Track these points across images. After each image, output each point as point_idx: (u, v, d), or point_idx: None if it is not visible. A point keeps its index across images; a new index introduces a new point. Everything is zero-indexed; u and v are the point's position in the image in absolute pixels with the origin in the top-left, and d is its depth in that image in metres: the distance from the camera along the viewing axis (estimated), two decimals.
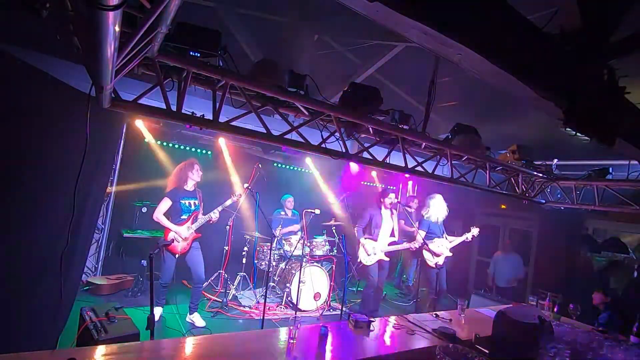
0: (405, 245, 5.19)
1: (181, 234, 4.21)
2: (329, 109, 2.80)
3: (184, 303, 4.71)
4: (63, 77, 3.02)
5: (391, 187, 5.86)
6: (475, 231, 5.31)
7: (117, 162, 5.40)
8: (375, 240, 5.10)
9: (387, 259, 5.14)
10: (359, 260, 5.23)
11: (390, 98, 4.43)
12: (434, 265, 5.16)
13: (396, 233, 5.33)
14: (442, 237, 5.35)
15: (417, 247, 5.13)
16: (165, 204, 4.21)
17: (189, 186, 4.35)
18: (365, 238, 5.12)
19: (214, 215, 4.38)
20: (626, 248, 5.53)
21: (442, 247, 5.27)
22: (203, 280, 4.42)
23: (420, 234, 5.16)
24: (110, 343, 2.20)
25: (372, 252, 5.05)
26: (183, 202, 4.29)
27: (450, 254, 5.35)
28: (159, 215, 4.18)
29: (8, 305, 2.57)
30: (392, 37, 3.59)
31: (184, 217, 4.28)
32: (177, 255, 4.25)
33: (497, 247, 7.34)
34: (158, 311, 4.33)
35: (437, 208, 5.34)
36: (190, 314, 4.39)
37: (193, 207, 4.35)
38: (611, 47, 1.65)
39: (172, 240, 4.14)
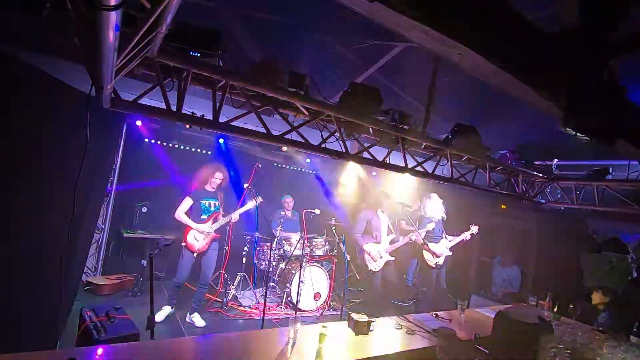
0: (406, 239, 5.12)
1: (202, 232, 4.27)
2: (329, 109, 2.80)
3: (184, 303, 4.70)
4: (63, 77, 3.02)
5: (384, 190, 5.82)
6: (474, 229, 5.29)
7: (117, 162, 5.39)
8: (379, 242, 5.04)
9: (392, 258, 5.08)
10: (369, 269, 5.12)
11: (390, 98, 4.43)
12: (434, 265, 5.15)
13: (392, 229, 5.29)
14: (442, 237, 5.34)
15: (417, 239, 5.05)
16: (187, 203, 4.31)
17: (210, 187, 4.44)
18: (368, 244, 5.01)
19: (234, 216, 4.47)
20: (626, 248, 5.52)
21: (442, 247, 5.26)
22: (209, 282, 4.46)
23: (421, 234, 5.14)
24: (110, 343, 2.20)
25: (378, 256, 4.95)
26: (204, 202, 4.37)
27: (450, 253, 5.33)
28: (181, 214, 4.26)
29: (8, 305, 2.57)
30: (392, 37, 3.59)
31: (203, 217, 4.35)
32: (195, 254, 4.30)
33: (497, 248, 7.34)
34: (167, 310, 4.37)
35: (434, 207, 5.33)
36: (190, 314, 4.40)
37: (213, 208, 4.43)
38: (611, 47, 1.64)
39: (173, 241, 4.14)
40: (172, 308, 4.42)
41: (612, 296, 3.93)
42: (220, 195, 4.52)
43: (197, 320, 4.36)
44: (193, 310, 4.40)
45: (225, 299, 4.96)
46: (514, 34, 1.46)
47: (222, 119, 2.53)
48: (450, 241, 5.33)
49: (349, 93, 2.84)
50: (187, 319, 4.40)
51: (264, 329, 3.82)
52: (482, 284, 6.92)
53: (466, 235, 5.28)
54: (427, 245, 5.06)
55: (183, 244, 4.23)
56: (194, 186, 4.42)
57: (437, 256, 5.17)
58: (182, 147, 6.21)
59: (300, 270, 4.89)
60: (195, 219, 4.30)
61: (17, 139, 2.50)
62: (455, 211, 5.69)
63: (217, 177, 4.44)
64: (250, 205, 4.57)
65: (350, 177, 7.44)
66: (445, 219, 5.44)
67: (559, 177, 4.77)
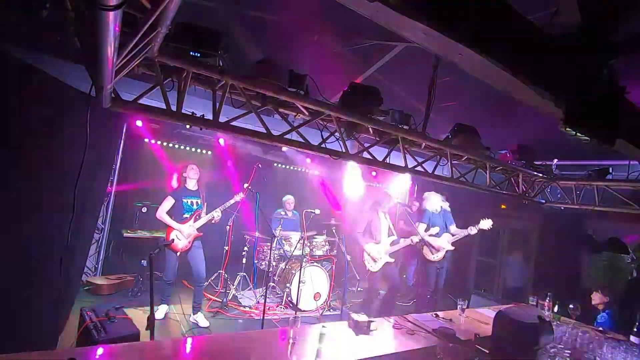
0: (407, 241, 5.04)
1: (183, 231, 4.28)
2: (329, 109, 2.80)
3: (186, 303, 4.71)
4: (63, 77, 3.02)
5: (386, 187, 5.80)
6: (486, 224, 5.11)
7: (117, 162, 5.40)
8: (379, 242, 4.96)
9: (392, 260, 5.00)
10: (367, 269, 5.09)
11: (390, 98, 4.42)
12: (432, 259, 5.14)
13: (394, 231, 5.27)
14: (445, 230, 5.31)
15: (417, 241, 4.98)
16: (169, 202, 4.31)
17: (191, 186, 4.44)
18: (368, 244, 4.94)
19: (216, 214, 4.46)
20: (626, 248, 5.52)
21: (443, 241, 5.21)
22: (204, 278, 4.47)
23: (421, 227, 5.11)
24: (110, 343, 2.20)
25: (378, 257, 4.88)
26: (185, 200, 4.37)
27: (452, 248, 5.27)
28: (162, 213, 4.27)
29: (8, 305, 2.57)
30: (392, 37, 3.59)
31: (186, 215, 4.35)
32: (178, 253, 4.33)
33: (497, 247, 7.35)
34: (164, 309, 4.40)
35: (432, 202, 5.36)
36: (194, 314, 4.42)
37: (195, 206, 4.43)
38: (611, 47, 1.64)
39: (172, 240, 4.21)
40: (168, 305, 4.47)
41: (612, 296, 3.93)
42: (202, 193, 4.52)
43: (201, 320, 4.38)
44: (196, 311, 4.41)
45: (225, 299, 4.96)
46: (514, 34, 1.46)
47: (222, 119, 2.52)
48: (453, 235, 5.27)
49: (349, 93, 2.84)
50: (191, 319, 4.41)
51: (264, 329, 3.82)
52: (481, 284, 6.92)
53: (471, 230, 5.13)
54: (427, 241, 5.04)
55: (164, 245, 4.10)
56: (174, 186, 4.48)
57: (437, 251, 5.14)
58: (182, 147, 6.21)
59: (300, 270, 4.89)
60: (177, 218, 4.30)
61: (17, 139, 2.50)
62: (454, 211, 5.69)
63: (191, 168, 4.43)
64: (231, 201, 4.58)
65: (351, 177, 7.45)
66: (444, 208, 5.43)
67: (559, 177, 4.76)
